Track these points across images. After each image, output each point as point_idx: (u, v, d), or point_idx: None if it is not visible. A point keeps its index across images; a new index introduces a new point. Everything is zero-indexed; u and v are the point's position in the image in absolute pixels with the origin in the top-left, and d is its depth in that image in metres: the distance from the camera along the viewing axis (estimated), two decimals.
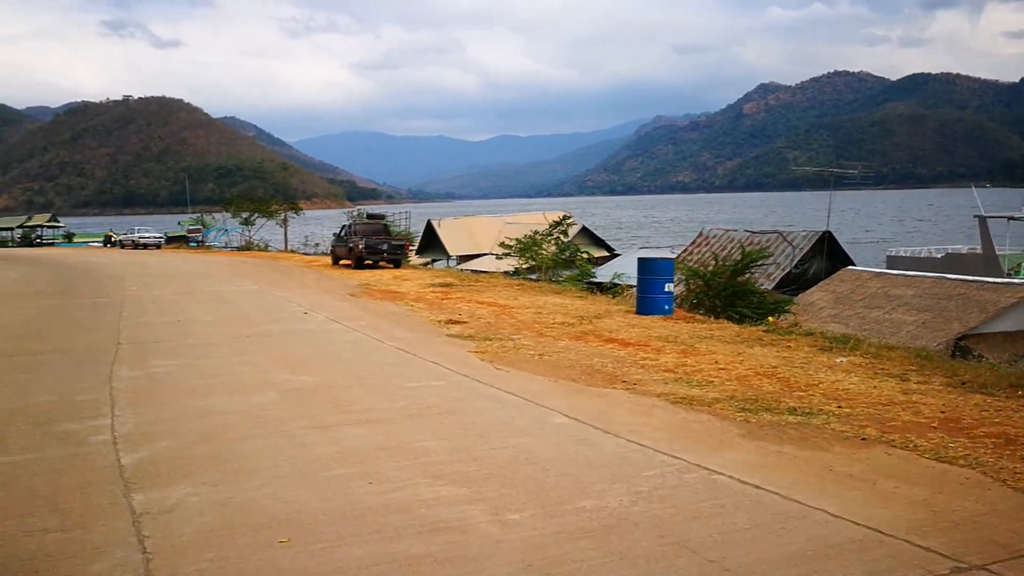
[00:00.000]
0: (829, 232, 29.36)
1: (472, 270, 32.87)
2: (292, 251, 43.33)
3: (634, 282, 30.33)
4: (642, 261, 15.06)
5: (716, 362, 9.44)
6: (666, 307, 14.21)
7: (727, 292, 18.38)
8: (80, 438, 5.87)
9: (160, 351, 9.92)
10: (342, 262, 28.51)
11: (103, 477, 4.96)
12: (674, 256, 32.56)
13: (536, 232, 34.11)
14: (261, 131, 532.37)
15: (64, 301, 16.60)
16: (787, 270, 28.71)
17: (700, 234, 33.16)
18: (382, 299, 16.77)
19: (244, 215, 52.07)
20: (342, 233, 28.69)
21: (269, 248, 47.80)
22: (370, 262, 26.47)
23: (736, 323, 14.43)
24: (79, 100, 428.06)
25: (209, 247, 54.07)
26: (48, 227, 69.59)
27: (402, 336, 11.31)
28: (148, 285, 20.40)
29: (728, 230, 33.69)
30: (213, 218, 55.61)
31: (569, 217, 39.08)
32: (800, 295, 23.22)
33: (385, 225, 28.58)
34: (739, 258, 21.15)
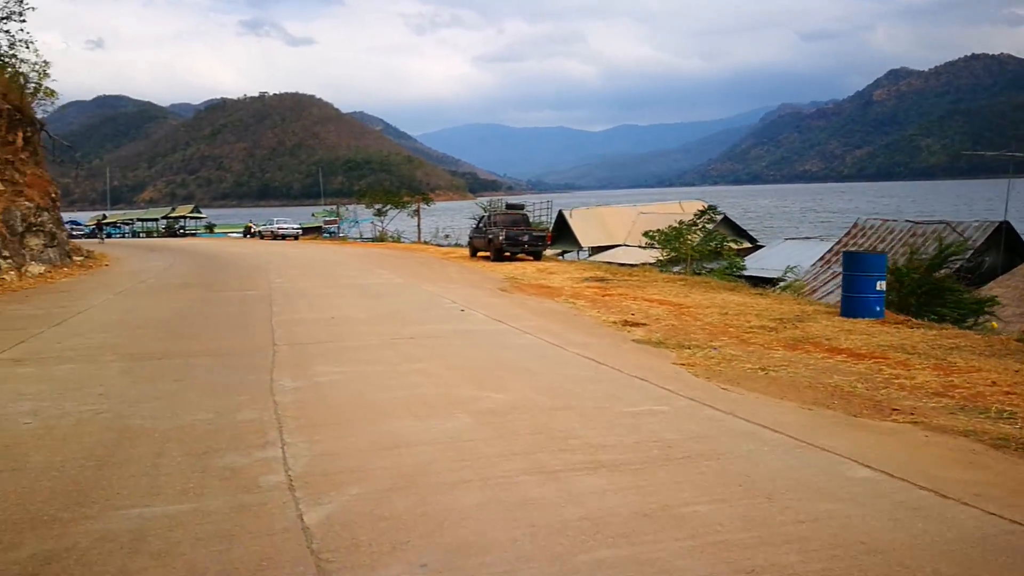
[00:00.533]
0: (1007, 222, 25.99)
1: (607, 262, 31.19)
2: (425, 243, 42.84)
3: (795, 275, 27.89)
4: (849, 256, 13.08)
5: (993, 383, 7.48)
6: (877, 308, 12.18)
7: (922, 290, 16.09)
8: (248, 478, 4.65)
9: (321, 355, 8.81)
10: (480, 254, 27.46)
11: (285, 548, 3.66)
12: (835, 248, 29.91)
13: (681, 222, 32.06)
14: (388, 125, 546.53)
15: (212, 294, 16.06)
16: (959, 263, 25.68)
17: (855, 225, 30.22)
18: (537, 295, 15.38)
19: (377, 206, 52.27)
20: (480, 224, 27.61)
21: (401, 239, 47.63)
22: (509, 254, 25.31)
23: (937, 325, 12.30)
24: (218, 97, 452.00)
25: (342, 238, 54.66)
26: (191, 218, 72.57)
27: (582, 341, 9.82)
28: (292, 277, 19.83)
29: (886, 220, 30.50)
30: (347, 210, 56.11)
31: (715, 207, 36.73)
32: (975, 291, 20.40)
33: (525, 216, 27.26)
34: (934, 252, 18.65)
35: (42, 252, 22.95)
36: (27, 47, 28.88)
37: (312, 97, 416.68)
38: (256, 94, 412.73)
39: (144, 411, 6.24)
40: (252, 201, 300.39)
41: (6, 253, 19.13)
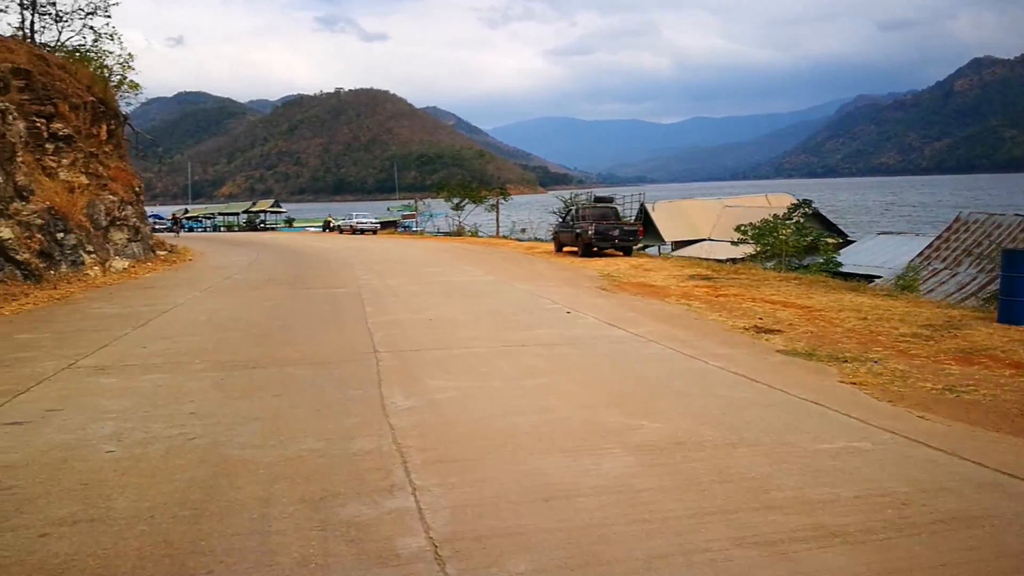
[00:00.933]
0: None
1: (694, 256, 29.68)
2: (504, 237, 41.94)
3: (889, 272, 25.94)
4: (1009, 254, 11.49)
5: None
6: None
7: None
8: (380, 541, 3.64)
9: (428, 365, 7.85)
10: (566, 249, 26.36)
11: None
12: (935, 244, 27.78)
13: (775, 216, 30.41)
14: (460, 119, 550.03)
15: (301, 291, 15.37)
16: None
17: (957, 219, 28.02)
18: (642, 295, 14.19)
19: (455, 200, 51.69)
20: (567, 218, 26.50)
21: (479, 233, 46.87)
22: (598, 249, 24.15)
23: None
24: (295, 93, 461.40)
25: (418, 232, 54.28)
26: (271, 212, 73.46)
27: (720, 352, 8.61)
28: (379, 273, 19.09)
29: (992, 214, 28.21)
30: (424, 204, 55.71)
31: (808, 201, 34.81)
32: None
33: (615, 209, 26.02)
34: None
35: (126, 246, 22.81)
36: (112, 39, 29.03)
37: (386, 92, 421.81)
38: (332, 90, 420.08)
39: (243, 436, 5.34)
40: (327, 196, 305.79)
41: (90, 247, 18.88)
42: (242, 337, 9.73)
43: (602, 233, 23.79)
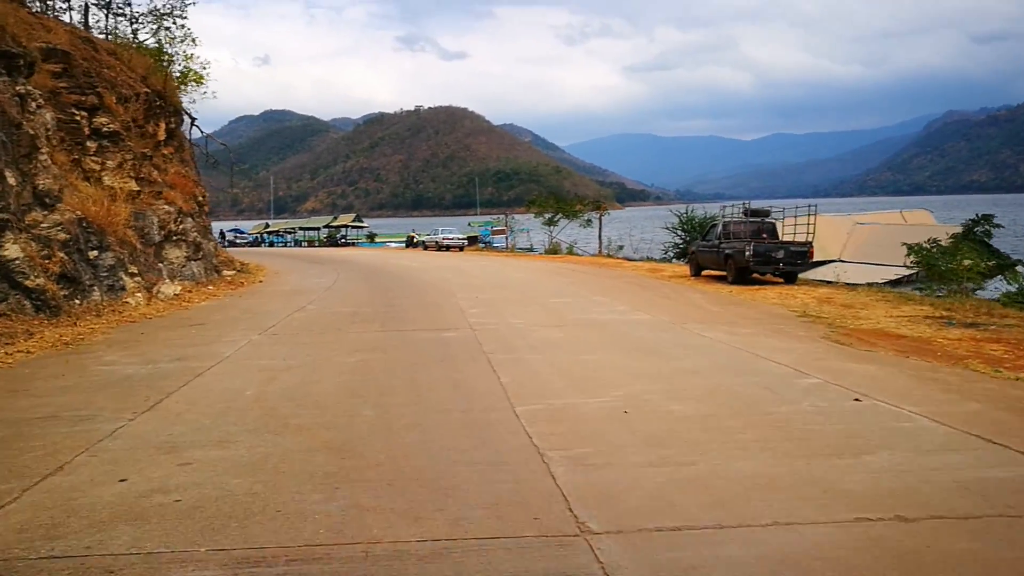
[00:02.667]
0: None
1: (826, 280, 24.41)
2: (608, 255, 37.23)
3: None
4: None
5: None
6: None
7: None
8: None
9: (669, 518, 3.30)
10: (707, 272, 21.59)
11: None
12: None
13: (952, 235, 24.93)
14: (537, 136, 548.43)
15: (395, 336, 11.04)
16: None
17: None
18: (906, 352, 9.37)
19: (547, 215, 47.34)
20: (710, 236, 21.72)
21: (576, 251, 42.31)
22: (754, 274, 19.39)
23: None
24: (376, 111, 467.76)
25: (507, 249, 50.08)
26: (352, 227, 70.40)
27: None
28: (490, 304, 14.72)
29: None
30: (514, 219, 51.43)
31: (990, 216, 29.09)
32: None
33: (772, 224, 21.09)
34: None
35: (183, 266, 19.09)
36: (191, 42, 25.94)
37: (464, 110, 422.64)
38: (411, 108, 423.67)
39: None
40: (406, 211, 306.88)
41: (133, 269, 15.06)
42: (304, 453, 5.31)
43: (762, 254, 18.93)
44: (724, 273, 20.42)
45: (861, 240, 36.01)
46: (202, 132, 27.22)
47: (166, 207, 18.90)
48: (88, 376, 7.98)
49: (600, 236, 40.14)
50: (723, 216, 21.57)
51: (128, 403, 6.74)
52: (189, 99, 25.47)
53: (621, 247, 42.51)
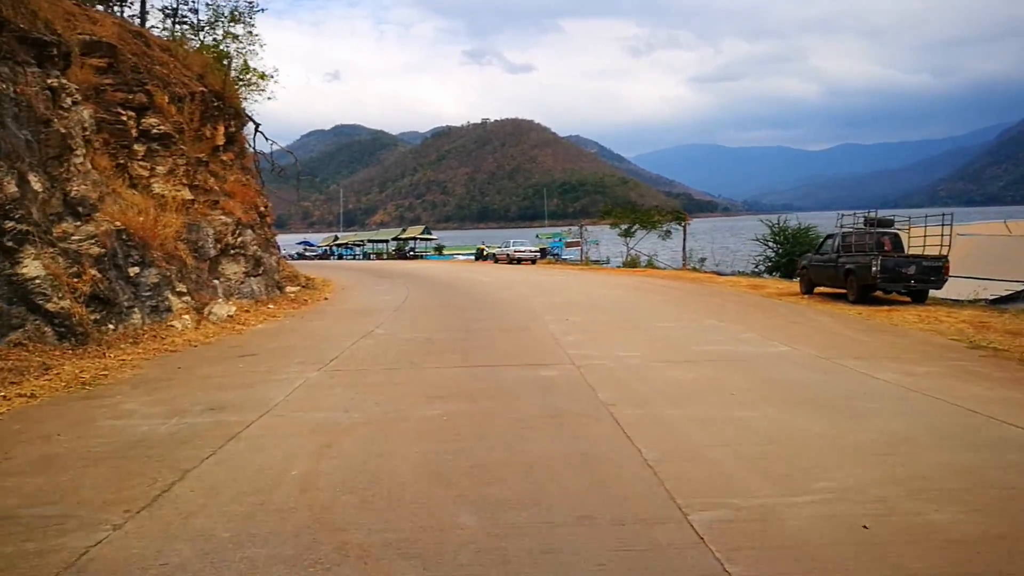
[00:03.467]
0: None
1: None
2: (694, 268, 34.56)
3: None
4: None
5: None
6: None
7: None
8: None
9: None
10: (820, 289, 19.02)
11: None
12: None
13: None
14: (602, 147, 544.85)
15: (481, 372, 8.88)
16: None
17: None
18: None
19: (623, 226, 44.91)
20: (825, 248, 19.11)
21: (656, 263, 39.74)
22: (880, 292, 16.82)
23: None
24: (443, 124, 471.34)
25: (582, 262, 47.74)
26: (421, 239, 69.00)
27: None
28: (583, 329, 12.48)
29: None
30: (588, 231, 49.03)
31: None
32: None
33: (897, 236, 18.36)
34: None
35: (241, 283, 17.38)
36: (259, 48, 24.55)
37: (530, 122, 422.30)
38: (478, 120, 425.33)
39: None
40: (472, 223, 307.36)
41: (182, 287, 13.30)
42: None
43: (891, 270, 16.27)
44: (841, 290, 17.79)
45: (964, 252, 32.52)
46: (267, 138, 25.72)
47: (223, 218, 17.23)
48: (89, 438, 6.02)
49: (685, 249, 37.45)
50: (840, 226, 18.83)
51: (124, 492, 4.72)
52: (253, 103, 24.04)
53: (703, 260, 39.81)
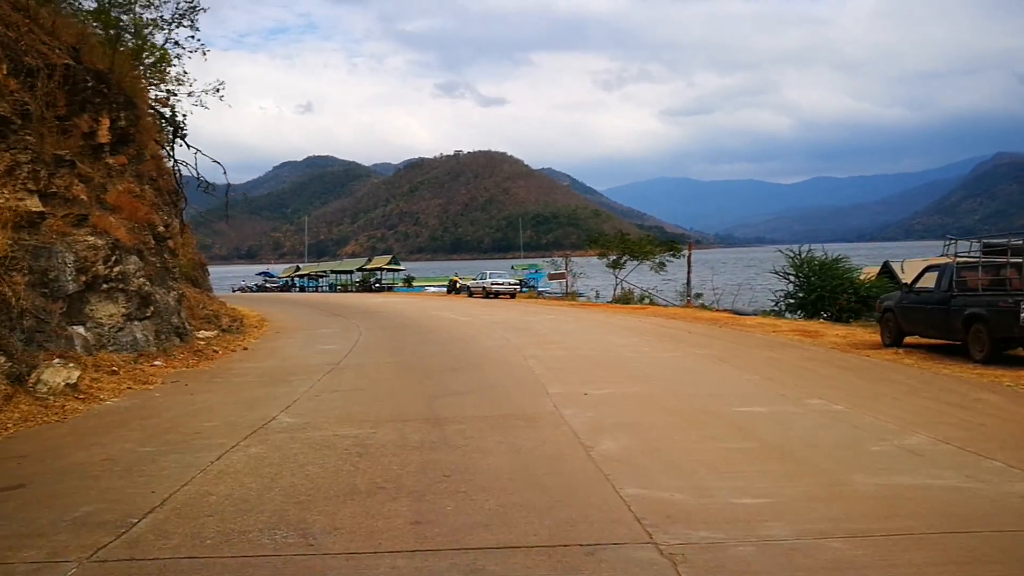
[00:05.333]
0: None
1: None
2: (704, 306, 29.83)
3: None
4: None
5: None
6: None
7: None
8: None
9: None
10: (911, 340, 14.34)
11: None
12: None
13: None
14: (575, 180, 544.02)
15: (463, 562, 3.86)
16: None
17: None
18: None
19: (611, 257, 40.31)
20: (921, 284, 14.42)
21: (652, 299, 35.01)
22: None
23: None
24: (416, 156, 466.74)
25: (558, 296, 42.94)
26: (388, 270, 63.67)
27: None
28: (627, 421, 7.48)
29: None
30: (572, 262, 44.19)
31: None
32: None
33: (1021, 264, 13.69)
34: None
35: (120, 329, 12.27)
36: (201, 55, 19.96)
37: (503, 154, 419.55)
38: (451, 152, 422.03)
39: None
40: (445, 255, 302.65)
41: None
42: None
43: None
44: (948, 342, 13.11)
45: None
46: (189, 146, 20.74)
47: (92, 239, 12.12)
48: None
49: (689, 282, 32.71)
50: (953, 252, 13.97)
51: None
52: (177, 102, 19.16)
53: (699, 295, 34.94)
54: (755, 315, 25.00)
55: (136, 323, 12.86)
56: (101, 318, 12.17)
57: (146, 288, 13.33)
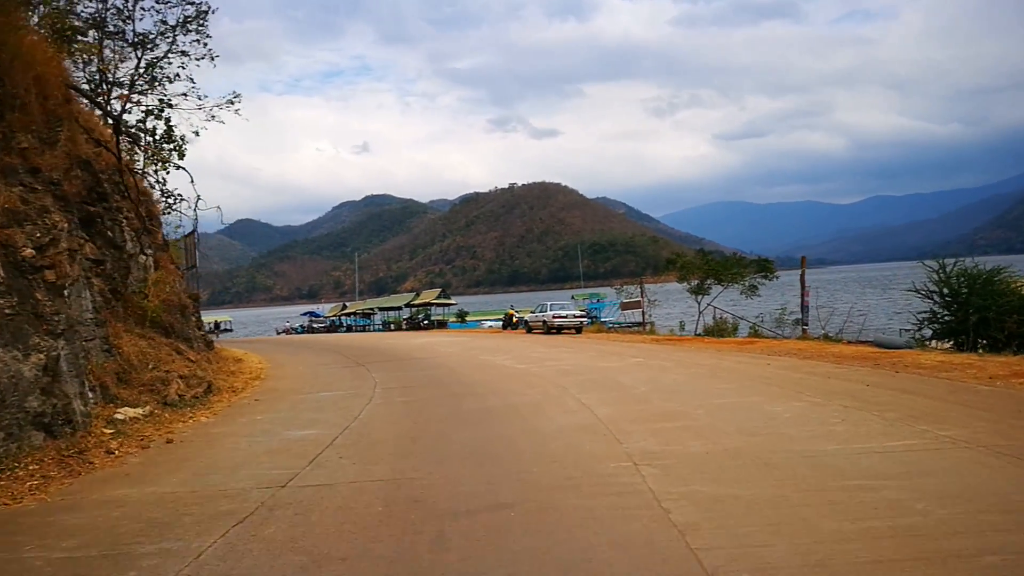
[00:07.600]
0: None
1: None
2: (830, 337, 23.32)
3: None
4: None
5: None
6: None
7: None
8: None
9: None
10: None
11: None
12: None
13: None
14: (630, 208, 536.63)
15: None
16: None
17: None
18: None
19: (694, 282, 34.18)
20: None
21: (761, 331, 28.52)
22: None
23: None
24: (471, 191, 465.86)
25: (631, 328, 36.74)
26: (437, 304, 58.08)
27: None
28: None
29: None
30: (648, 288, 37.96)
31: None
32: None
33: None
34: None
35: None
36: (209, 60, 16.00)
37: (558, 185, 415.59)
38: (505, 185, 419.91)
39: None
40: (502, 287, 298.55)
41: None
42: None
43: None
44: None
45: None
46: (185, 170, 15.89)
47: None
48: None
49: (804, 309, 26.12)
50: None
51: None
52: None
53: (799, 320, 28.07)
54: (908, 347, 18.51)
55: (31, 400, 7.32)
56: None
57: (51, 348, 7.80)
